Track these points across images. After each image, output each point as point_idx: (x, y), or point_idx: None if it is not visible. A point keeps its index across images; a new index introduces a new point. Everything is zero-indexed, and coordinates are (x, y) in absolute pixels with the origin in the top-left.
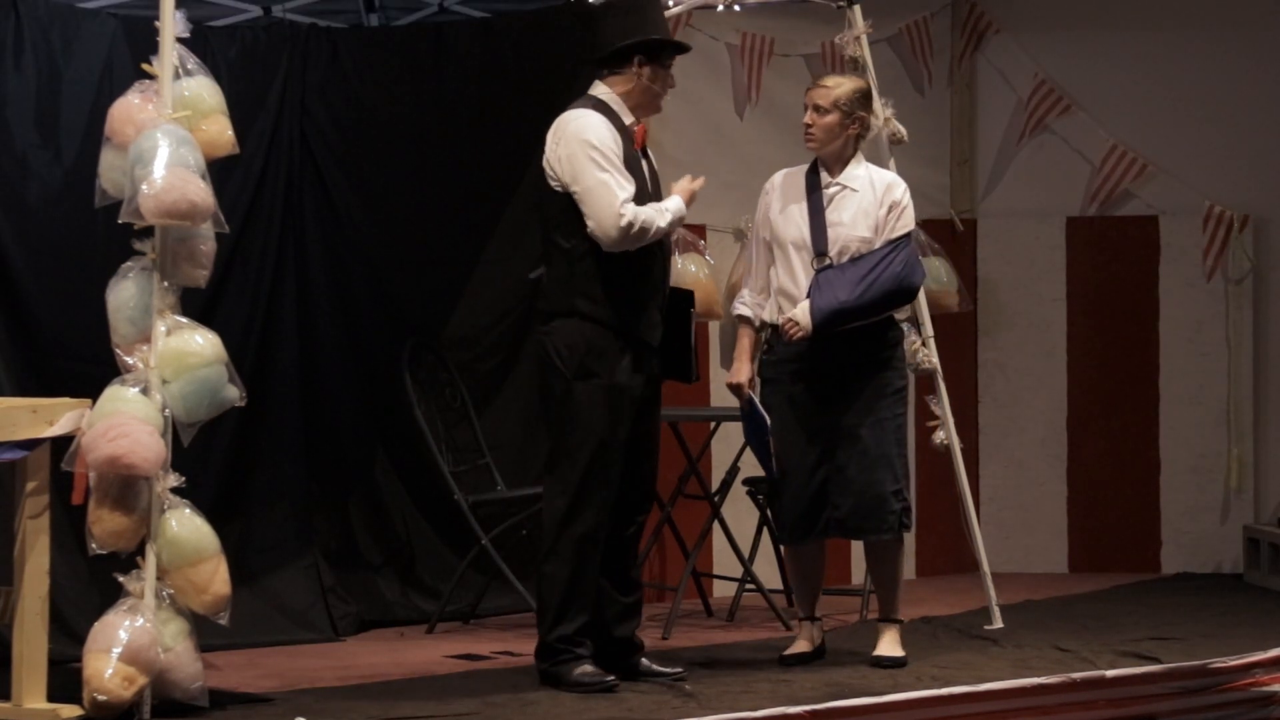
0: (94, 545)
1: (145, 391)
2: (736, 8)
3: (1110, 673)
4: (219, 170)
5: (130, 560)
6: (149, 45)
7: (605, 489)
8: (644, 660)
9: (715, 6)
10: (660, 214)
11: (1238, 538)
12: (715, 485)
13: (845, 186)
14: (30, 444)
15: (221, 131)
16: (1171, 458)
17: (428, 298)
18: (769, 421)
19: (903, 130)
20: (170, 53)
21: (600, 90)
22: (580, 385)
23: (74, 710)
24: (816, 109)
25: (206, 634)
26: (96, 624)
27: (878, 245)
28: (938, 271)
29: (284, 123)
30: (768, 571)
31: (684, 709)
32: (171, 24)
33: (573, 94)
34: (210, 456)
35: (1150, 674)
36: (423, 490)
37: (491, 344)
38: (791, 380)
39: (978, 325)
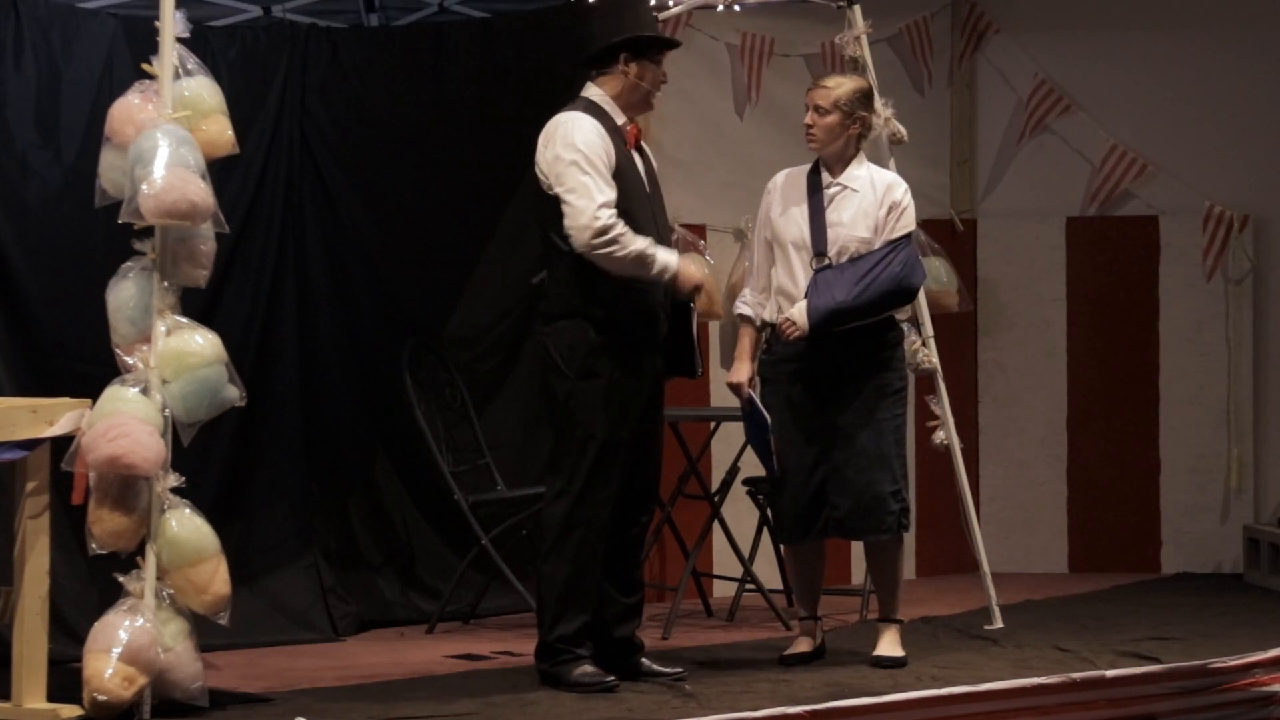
0: (94, 545)
1: (145, 391)
2: (736, 8)
3: (1110, 673)
4: (219, 170)
5: (130, 560)
6: (149, 45)
7: (607, 489)
8: (644, 660)
9: (715, 6)
10: (644, 241)
11: (1238, 538)
12: (715, 485)
13: (846, 187)
14: (30, 444)
15: (221, 131)
16: (1171, 458)
17: (428, 298)
18: (769, 420)
19: (903, 130)
20: (170, 53)
21: (592, 92)
22: (583, 385)
23: (74, 710)
24: (817, 109)
25: (206, 634)
26: (96, 624)
27: (877, 246)
28: (938, 271)
29: (284, 123)
30: (768, 571)
31: (684, 709)
32: (171, 24)
33: (573, 94)
34: (210, 456)
35: (1150, 674)
36: (423, 490)
37: (491, 344)
38: (790, 380)
39: (978, 325)
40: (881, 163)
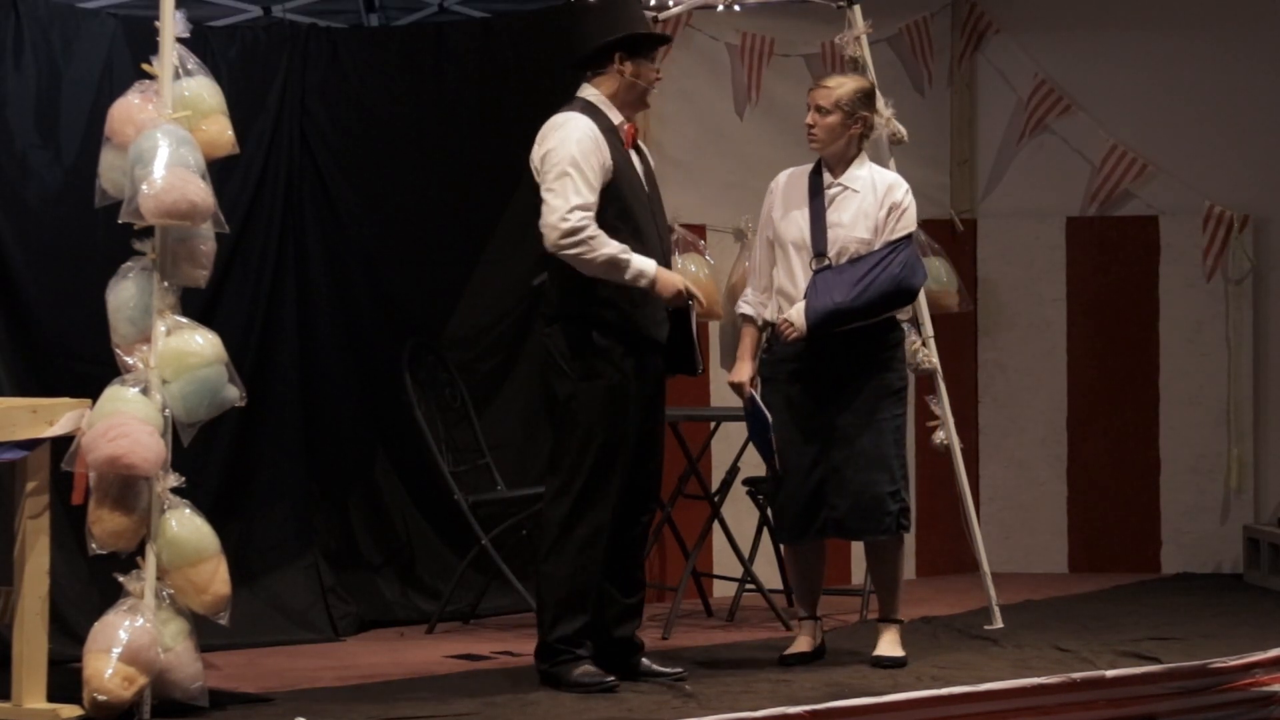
0: (94, 545)
1: (145, 391)
2: (736, 8)
3: (1110, 673)
4: (219, 170)
5: (130, 560)
6: (149, 45)
7: (608, 490)
8: (644, 660)
9: (715, 6)
10: (616, 247)
11: (1238, 538)
12: (715, 485)
13: (846, 187)
14: (30, 444)
15: (221, 131)
16: (1171, 458)
17: (428, 298)
18: (770, 420)
19: (903, 130)
20: (170, 53)
21: (587, 92)
22: (585, 386)
23: (74, 710)
24: (818, 109)
25: (206, 634)
26: (96, 624)
27: (877, 246)
28: (938, 271)
29: (284, 123)
30: (768, 571)
31: (684, 709)
32: (171, 24)
33: (572, 95)
34: (210, 456)
35: (1150, 674)
36: (423, 490)
37: (491, 344)
38: (789, 380)
39: (978, 325)
40: (881, 163)
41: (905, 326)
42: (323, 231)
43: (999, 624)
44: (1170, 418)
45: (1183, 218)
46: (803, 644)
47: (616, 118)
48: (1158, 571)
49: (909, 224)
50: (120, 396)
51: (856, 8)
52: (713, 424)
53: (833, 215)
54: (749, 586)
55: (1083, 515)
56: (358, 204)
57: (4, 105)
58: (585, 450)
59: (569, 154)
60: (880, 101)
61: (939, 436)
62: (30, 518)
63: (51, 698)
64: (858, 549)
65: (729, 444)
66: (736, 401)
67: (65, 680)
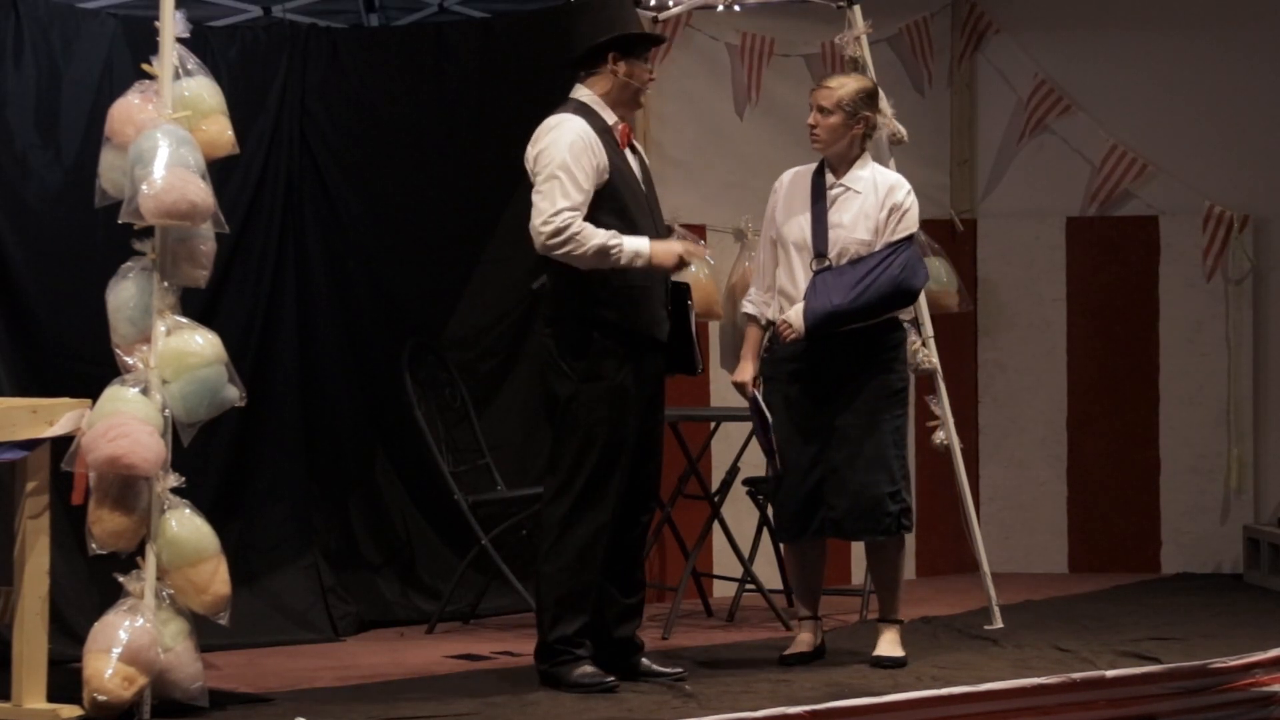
0: (94, 545)
1: (145, 391)
2: (736, 8)
3: (1110, 673)
4: (219, 170)
5: (130, 560)
6: (149, 45)
7: (608, 490)
8: (644, 660)
9: (715, 6)
10: (605, 235)
11: (1238, 538)
12: (715, 485)
13: (848, 188)
14: (30, 444)
15: (221, 131)
16: (1171, 458)
17: (428, 298)
18: (770, 419)
19: (903, 130)
20: (170, 53)
21: (581, 93)
22: (586, 387)
23: (74, 710)
24: (820, 110)
25: (206, 634)
26: (96, 624)
27: (878, 248)
28: (938, 272)
29: (284, 123)
30: (768, 571)
31: (684, 709)
32: (171, 24)
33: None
34: (210, 456)
35: (1150, 674)
36: (423, 490)
37: (491, 344)
38: (789, 380)
39: (978, 325)
40: (881, 163)
41: (906, 327)
42: (323, 231)
43: (999, 624)
44: (1170, 418)
45: (1183, 218)
46: (803, 644)
47: (610, 118)
48: (1158, 571)
49: (910, 225)
50: (120, 396)
51: (856, 8)
52: (713, 424)
53: (834, 216)
54: (749, 586)
55: (1083, 515)
56: (358, 204)
57: (4, 105)
58: (586, 451)
59: (559, 157)
60: (884, 101)
61: (939, 436)
62: (30, 518)
63: (51, 698)
64: (858, 549)
65: (729, 444)
66: (736, 401)
67: (65, 680)
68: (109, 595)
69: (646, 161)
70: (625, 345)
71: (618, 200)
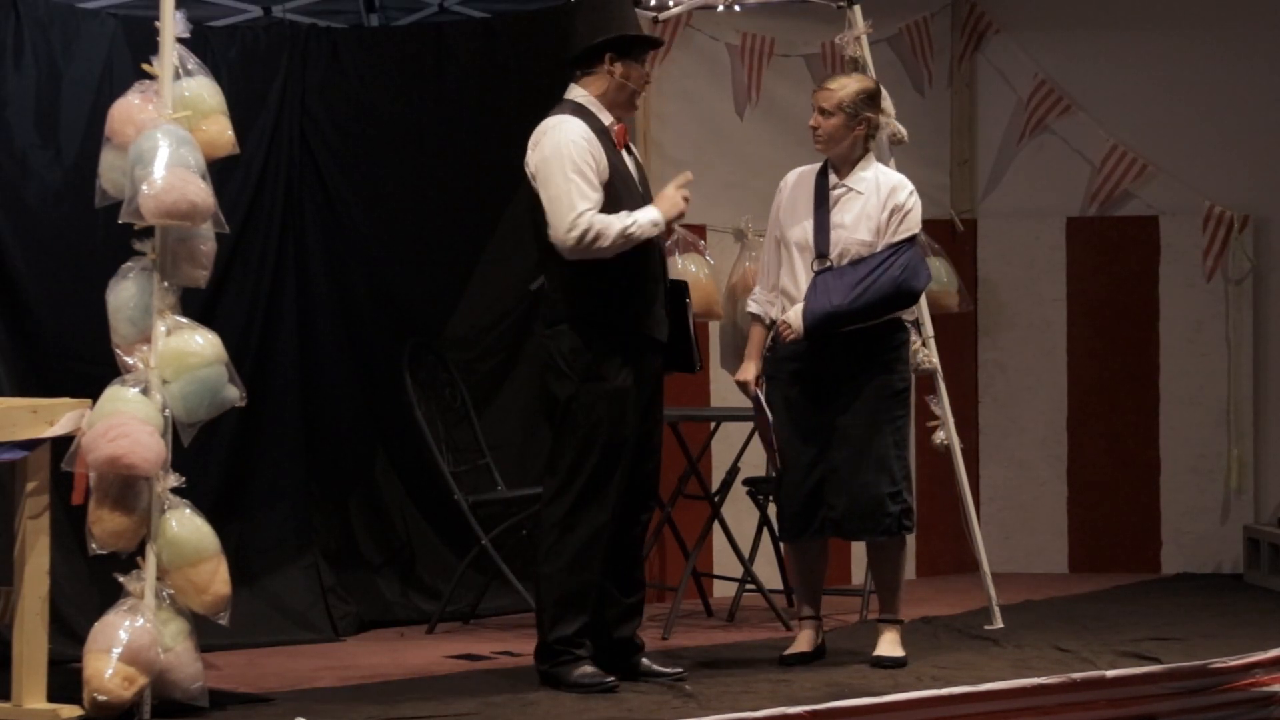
0: (94, 545)
1: (145, 391)
2: (736, 8)
3: (1110, 673)
4: (219, 170)
5: (130, 560)
6: (149, 45)
7: (608, 490)
8: (644, 660)
9: (715, 6)
10: (621, 219)
11: (1238, 538)
12: (715, 485)
13: (850, 189)
14: (30, 444)
15: (221, 131)
16: (1171, 458)
17: (428, 298)
18: (771, 419)
19: (903, 130)
20: (170, 53)
21: (576, 93)
22: (586, 388)
23: (74, 710)
24: (821, 111)
25: (206, 634)
26: (96, 624)
27: (879, 249)
28: (938, 272)
29: (284, 123)
30: (768, 571)
31: (684, 709)
32: (171, 24)
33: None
34: (210, 456)
35: (1150, 674)
36: (423, 490)
37: (491, 344)
38: (790, 380)
39: (978, 325)
40: (882, 163)
41: (909, 327)
42: (323, 231)
43: (999, 624)
44: (1170, 418)
45: (1183, 218)
46: (803, 644)
47: (606, 119)
48: (1158, 571)
49: (912, 226)
50: (120, 396)
51: (856, 8)
52: (713, 424)
53: (835, 217)
54: (749, 586)
55: (1083, 515)
56: (358, 204)
57: (4, 105)
58: (585, 451)
59: (570, 159)
60: (887, 101)
61: (939, 436)
62: (30, 518)
63: (51, 698)
64: (858, 549)
65: (729, 444)
66: (736, 401)
67: (65, 680)
68: (109, 595)
69: (641, 162)
70: (625, 346)
71: (616, 202)
